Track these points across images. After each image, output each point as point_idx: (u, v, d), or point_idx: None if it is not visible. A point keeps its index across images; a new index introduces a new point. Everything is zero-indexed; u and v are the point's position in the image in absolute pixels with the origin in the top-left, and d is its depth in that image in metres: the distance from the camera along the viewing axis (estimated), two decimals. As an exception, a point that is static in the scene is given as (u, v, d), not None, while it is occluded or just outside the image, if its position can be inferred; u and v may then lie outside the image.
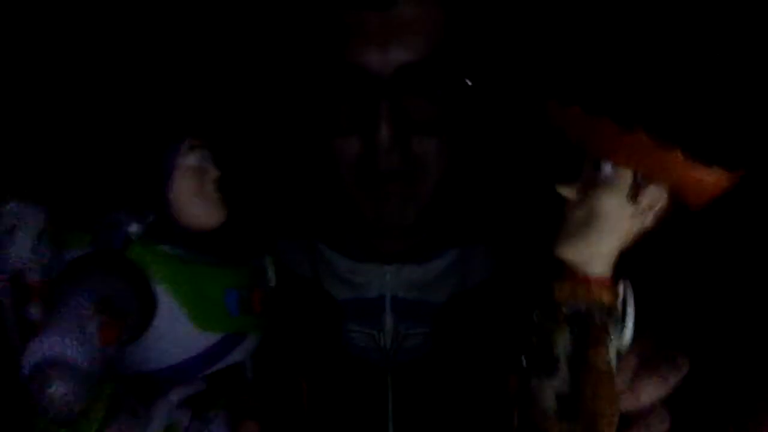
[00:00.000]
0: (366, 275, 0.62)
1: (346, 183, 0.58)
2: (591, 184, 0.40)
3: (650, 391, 0.41)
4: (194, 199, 0.47)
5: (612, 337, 0.40)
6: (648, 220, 0.41)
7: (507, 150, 0.63)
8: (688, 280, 0.56)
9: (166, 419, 0.45)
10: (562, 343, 0.40)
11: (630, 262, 0.41)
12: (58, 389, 0.37)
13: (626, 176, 0.40)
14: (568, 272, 0.41)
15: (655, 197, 0.40)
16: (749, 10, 0.51)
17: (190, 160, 0.47)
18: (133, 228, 0.46)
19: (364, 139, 0.55)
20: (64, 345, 0.38)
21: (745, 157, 0.40)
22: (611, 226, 0.40)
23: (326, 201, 0.64)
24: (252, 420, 0.49)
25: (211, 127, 0.49)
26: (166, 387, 0.46)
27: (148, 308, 0.45)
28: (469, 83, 0.56)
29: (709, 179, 0.39)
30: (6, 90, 0.66)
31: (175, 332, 0.46)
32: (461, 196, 0.62)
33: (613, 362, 0.40)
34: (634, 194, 0.40)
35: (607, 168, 0.40)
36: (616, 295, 0.41)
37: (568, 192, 0.41)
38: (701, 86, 0.48)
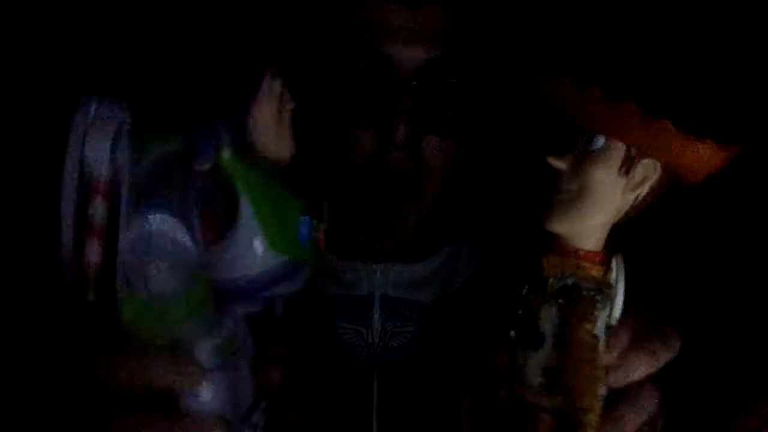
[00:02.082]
0: (356, 273, 0.62)
1: (354, 177, 0.59)
2: (583, 156, 0.40)
3: (640, 367, 0.41)
4: (271, 126, 0.46)
5: (600, 311, 0.40)
6: (641, 194, 0.40)
7: (503, 137, 0.63)
8: (682, 256, 0.56)
9: (231, 330, 0.45)
10: (549, 317, 0.40)
11: (624, 236, 0.41)
12: (163, 264, 0.36)
13: (619, 149, 0.39)
14: (558, 246, 0.41)
15: (648, 171, 0.40)
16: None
17: (275, 85, 0.46)
18: (226, 136, 0.45)
19: (380, 134, 0.56)
20: (174, 223, 0.37)
21: (741, 132, 0.40)
22: (603, 200, 0.40)
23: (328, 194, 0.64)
24: (276, 367, 0.49)
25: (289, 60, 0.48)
26: (228, 301, 0.46)
27: (232, 214, 0.44)
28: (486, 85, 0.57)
29: (703, 153, 0.38)
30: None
31: (248, 246, 0.45)
32: (458, 196, 0.63)
33: (601, 337, 0.40)
34: (627, 168, 0.40)
35: (600, 140, 0.39)
36: (607, 269, 0.41)
37: (559, 164, 0.40)
38: (696, 58, 0.47)
